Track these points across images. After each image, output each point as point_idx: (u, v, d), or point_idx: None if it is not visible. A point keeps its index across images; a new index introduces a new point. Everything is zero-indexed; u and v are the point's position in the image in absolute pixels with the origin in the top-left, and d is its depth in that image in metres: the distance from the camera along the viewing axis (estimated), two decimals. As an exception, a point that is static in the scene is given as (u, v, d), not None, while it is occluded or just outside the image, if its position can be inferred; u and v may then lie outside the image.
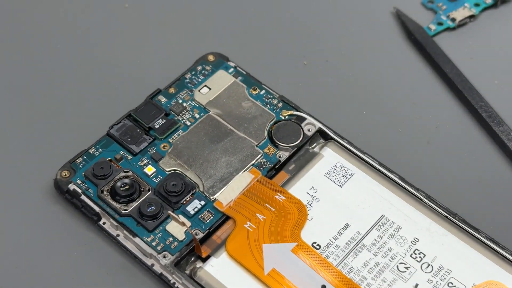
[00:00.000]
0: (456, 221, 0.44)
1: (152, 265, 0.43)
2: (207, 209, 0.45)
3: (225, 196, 0.45)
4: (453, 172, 0.48)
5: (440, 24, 0.55)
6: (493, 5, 0.56)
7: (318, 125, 0.48)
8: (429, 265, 0.43)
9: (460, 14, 0.55)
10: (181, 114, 0.49)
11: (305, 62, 0.53)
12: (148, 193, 0.45)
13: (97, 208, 0.45)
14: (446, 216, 0.45)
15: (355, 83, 0.52)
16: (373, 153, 0.47)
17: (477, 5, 0.56)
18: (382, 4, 0.56)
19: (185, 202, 0.45)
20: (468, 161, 0.49)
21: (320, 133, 0.48)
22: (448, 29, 0.55)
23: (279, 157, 0.47)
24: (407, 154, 0.49)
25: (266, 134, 0.48)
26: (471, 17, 0.55)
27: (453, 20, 0.55)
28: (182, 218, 0.44)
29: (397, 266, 0.43)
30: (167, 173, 0.46)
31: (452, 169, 0.48)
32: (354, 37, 0.55)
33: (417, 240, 0.44)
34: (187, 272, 0.43)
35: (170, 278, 0.43)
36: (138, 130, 0.48)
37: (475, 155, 0.49)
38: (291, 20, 0.55)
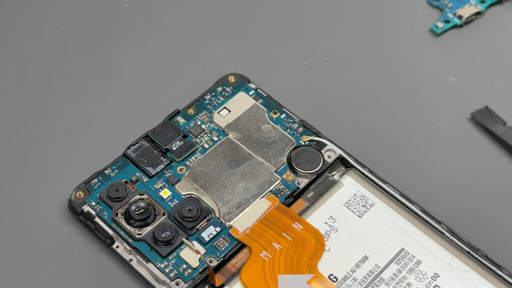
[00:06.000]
0: (479, 257, 0.43)
1: (165, 292, 0.43)
2: (223, 236, 0.44)
3: (241, 223, 0.44)
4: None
5: (447, 21, 0.54)
6: (499, 1, 0.56)
7: (339, 151, 0.47)
8: (449, 302, 0.42)
9: (467, 11, 0.55)
10: (199, 137, 0.48)
11: (305, 62, 0.53)
12: (163, 218, 0.44)
13: (110, 231, 0.44)
14: (468, 252, 0.43)
15: (355, 83, 0.52)
16: (376, 153, 0.48)
17: (482, 1, 0.55)
18: (381, 2, 0.56)
19: (200, 228, 0.44)
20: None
21: (341, 160, 0.47)
22: (455, 26, 0.55)
23: (298, 184, 0.46)
24: (408, 157, 0.49)
25: (285, 160, 0.47)
26: (478, 14, 0.55)
27: (460, 17, 0.55)
28: (196, 245, 0.43)
29: (416, 302, 0.42)
30: (183, 197, 0.45)
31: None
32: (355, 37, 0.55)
33: (437, 275, 0.43)
34: (200, 300, 0.42)
35: (182, 306, 0.42)
36: (155, 151, 0.47)
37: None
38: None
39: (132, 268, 0.43)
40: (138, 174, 0.46)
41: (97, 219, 0.44)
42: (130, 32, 0.54)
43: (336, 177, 0.47)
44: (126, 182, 0.46)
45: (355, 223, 0.44)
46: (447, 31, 0.55)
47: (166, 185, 0.46)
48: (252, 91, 0.50)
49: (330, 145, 0.47)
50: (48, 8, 0.56)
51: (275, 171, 0.46)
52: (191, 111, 0.49)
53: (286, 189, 0.46)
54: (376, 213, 0.45)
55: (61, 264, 0.44)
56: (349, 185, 0.46)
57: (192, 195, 0.45)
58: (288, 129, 0.48)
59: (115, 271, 0.44)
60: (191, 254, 0.43)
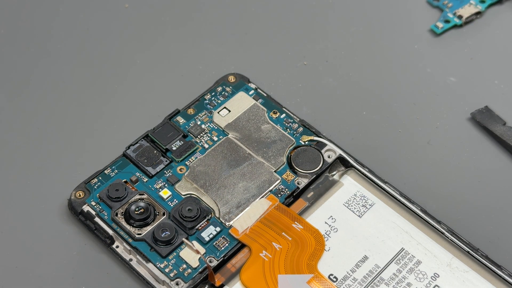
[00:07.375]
0: (479, 257, 0.43)
1: (165, 292, 0.43)
2: (223, 236, 0.44)
3: (241, 223, 0.44)
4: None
5: (447, 21, 0.55)
6: (498, 1, 0.56)
7: (339, 151, 0.47)
8: (449, 302, 0.42)
9: (467, 11, 0.55)
10: (199, 136, 0.48)
11: (305, 62, 0.53)
12: (163, 217, 0.44)
13: (110, 231, 0.44)
14: (468, 252, 0.43)
15: (355, 83, 0.52)
16: (376, 151, 0.48)
17: (482, 1, 0.55)
18: (381, 2, 0.56)
19: (200, 228, 0.44)
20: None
21: (341, 160, 0.47)
22: (455, 26, 0.55)
23: (298, 183, 0.46)
24: (408, 157, 0.49)
25: (285, 160, 0.47)
26: (478, 13, 0.55)
27: (460, 17, 0.55)
28: (196, 245, 0.43)
29: (416, 302, 0.42)
30: (183, 197, 0.45)
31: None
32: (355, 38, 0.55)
33: (437, 275, 0.43)
34: (200, 300, 0.42)
35: (182, 306, 0.42)
36: (155, 151, 0.47)
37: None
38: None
39: (132, 268, 0.43)
40: (138, 174, 0.46)
41: (97, 219, 0.44)
42: (130, 32, 0.54)
43: (336, 177, 0.47)
44: (126, 182, 0.46)
45: (355, 223, 0.44)
46: (447, 31, 0.55)
47: (166, 185, 0.46)
48: (252, 91, 0.50)
49: (330, 145, 0.47)
50: (48, 8, 0.56)
51: (275, 171, 0.46)
52: (191, 111, 0.49)
53: (286, 189, 0.46)
54: (376, 213, 0.45)
55: (61, 264, 0.44)
56: (349, 185, 0.46)
57: (192, 195, 0.45)
58: (288, 129, 0.48)
59: (115, 271, 0.44)
60: (191, 254, 0.43)
